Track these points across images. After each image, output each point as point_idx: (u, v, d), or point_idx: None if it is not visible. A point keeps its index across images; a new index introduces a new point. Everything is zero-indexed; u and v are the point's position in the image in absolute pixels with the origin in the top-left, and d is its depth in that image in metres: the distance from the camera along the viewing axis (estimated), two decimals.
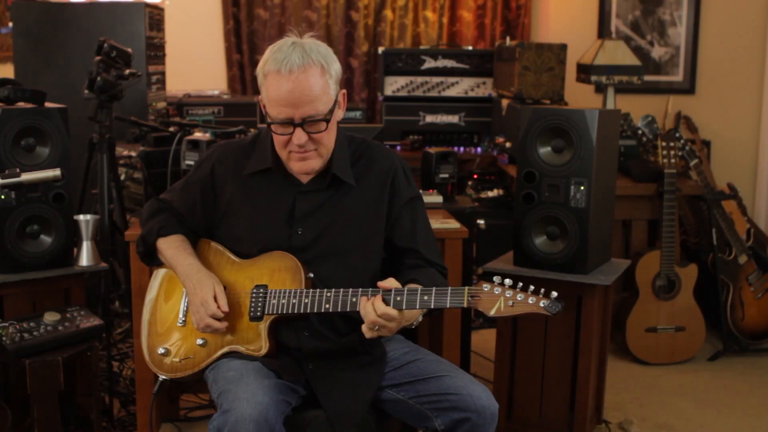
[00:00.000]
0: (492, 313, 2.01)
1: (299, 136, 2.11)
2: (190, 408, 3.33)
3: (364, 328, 2.08)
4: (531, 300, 1.99)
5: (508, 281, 2.02)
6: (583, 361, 3.00)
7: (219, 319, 2.18)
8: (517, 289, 2.01)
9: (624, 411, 3.52)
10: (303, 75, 2.08)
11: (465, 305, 2.03)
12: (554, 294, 2.00)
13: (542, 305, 1.99)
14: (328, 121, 2.14)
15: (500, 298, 2.00)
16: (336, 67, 2.16)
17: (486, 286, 2.02)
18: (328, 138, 2.18)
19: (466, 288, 2.03)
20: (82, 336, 2.74)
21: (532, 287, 2.02)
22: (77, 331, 2.73)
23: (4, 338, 2.56)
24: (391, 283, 2.08)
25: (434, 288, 2.05)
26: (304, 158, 2.16)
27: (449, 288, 2.05)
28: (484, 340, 4.05)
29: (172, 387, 3.16)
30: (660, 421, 3.45)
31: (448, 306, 2.05)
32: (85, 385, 2.90)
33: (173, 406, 3.28)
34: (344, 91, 2.23)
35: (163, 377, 2.28)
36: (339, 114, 2.21)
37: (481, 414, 2.08)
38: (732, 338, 4.19)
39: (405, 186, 2.32)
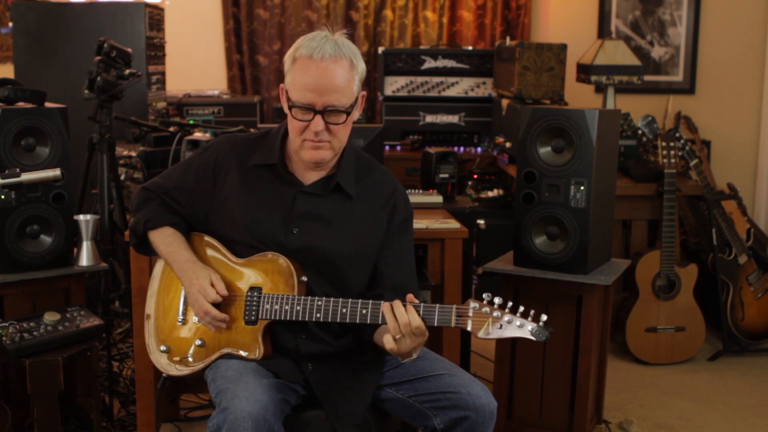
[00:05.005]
0: (480, 335, 1.97)
1: (317, 123, 2.12)
2: (190, 408, 3.34)
3: (387, 338, 2.03)
4: (519, 323, 1.95)
5: (497, 300, 1.98)
6: (583, 361, 3.00)
7: (219, 311, 2.18)
8: (506, 310, 1.97)
9: (624, 411, 3.52)
10: (333, 64, 2.11)
11: (452, 325, 2.00)
12: (544, 317, 1.96)
13: (530, 330, 1.95)
14: (348, 114, 2.15)
15: (488, 319, 1.97)
16: (362, 66, 2.19)
17: (474, 305, 1.98)
18: (343, 133, 2.18)
19: (454, 306, 2.00)
20: (82, 336, 2.74)
21: (521, 308, 1.97)
22: (77, 331, 2.73)
23: (4, 338, 2.56)
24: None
25: (422, 304, 2.03)
26: (317, 147, 2.16)
27: (437, 306, 2.02)
28: (485, 341, 4.04)
29: (173, 387, 3.16)
30: (660, 421, 3.45)
31: (435, 324, 2.01)
32: (85, 385, 2.90)
33: (173, 406, 3.28)
34: (364, 93, 2.24)
35: (166, 374, 2.29)
36: (355, 114, 2.21)
37: (480, 412, 2.08)
38: (732, 338, 4.19)
39: (402, 210, 2.32)
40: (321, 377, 2.19)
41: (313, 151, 2.17)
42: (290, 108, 2.15)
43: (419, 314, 2.01)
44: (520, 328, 1.95)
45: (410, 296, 2.06)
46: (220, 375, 2.12)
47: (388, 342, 2.03)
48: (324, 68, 2.10)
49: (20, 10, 4.46)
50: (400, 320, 2.00)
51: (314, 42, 2.12)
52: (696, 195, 4.35)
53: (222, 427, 1.96)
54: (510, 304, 1.99)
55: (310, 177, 2.25)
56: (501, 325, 1.96)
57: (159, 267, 2.38)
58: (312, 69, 2.10)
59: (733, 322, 4.18)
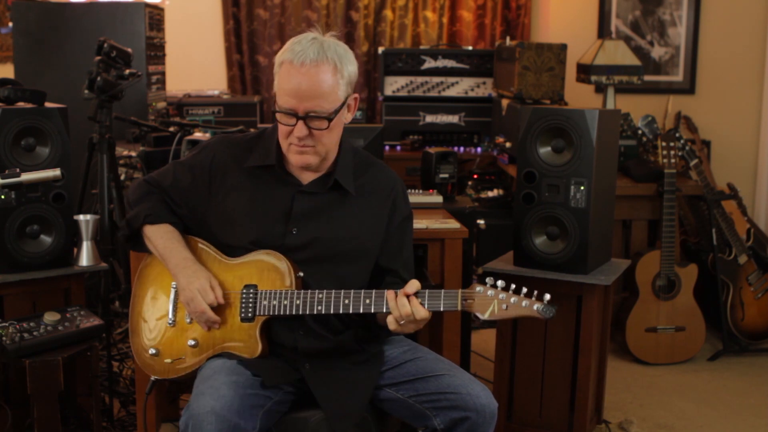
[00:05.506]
0: (486, 316, 2.00)
1: (300, 129, 2.12)
2: None
3: (390, 319, 2.06)
4: (525, 303, 1.98)
5: (501, 283, 2.01)
6: (583, 361, 3.00)
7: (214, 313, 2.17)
8: (510, 291, 2.00)
9: (624, 411, 3.52)
10: (314, 70, 2.10)
11: (459, 308, 2.03)
12: (547, 296, 1.98)
13: (536, 309, 1.97)
14: (330, 120, 2.14)
15: (494, 300, 2.00)
16: (351, 69, 2.17)
17: (479, 288, 2.01)
18: (329, 137, 2.18)
19: (460, 291, 2.03)
20: (82, 336, 2.74)
21: (525, 289, 2.00)
22: (77, 331, 2.72)
23: (4, 338, 2.56)
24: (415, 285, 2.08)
25: (427, 291, 2.05)
26: (302, 152, 2.16)
27: (442, 291, 2.04)
28: (484, 340, 4.05)
29: (172, 387, 3.16)
30: (660, 421, 3.46)
31: (441, 309, 2.04)
32: (85, 385, 2.90)
33: (173, 406, 3.27)
34: (356, 95, 2.23)
35: (155, 378, 2.27)
36: (348, 117, 2.21)
37: (480, 413, 2.08)
38: (732, 338, 4.19)
39: (402, 206, 2.33)
40: (319, 378, 2.18)
41: (298, 156, 2.17)
42: (275, 112, 2.15)
43: (424, 303, 2.03)
44: (526, 307, 1.98)
45: (416, 283, 2.06)
46: (200, 375, 2.13)
47: (391, 323, 2.06)
48: (304, 74, 2.09)
49: (20, 10, 4.46)
50: (402, 311, 2.03)
51: (299, 46, 2.12)
52: (696, 195, 4.35)
53: (188, 424, 1.96)
54: (513, 286, 2.01)
55: (307, 176, 2.25)
56: (506, 306, 1.99)
57: (143, 270, 2.36)
58: (293, 74, 2.10)
59: (733, 322, 4.17)
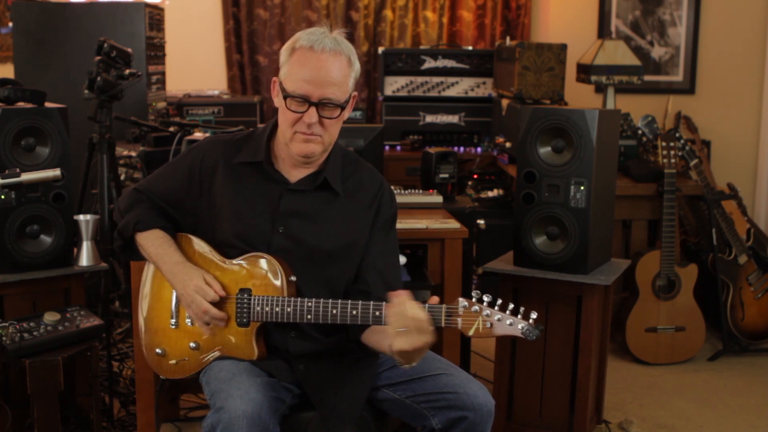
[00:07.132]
0: (471, 333, 1.96)
1: (311, 115, 2.12)
2: (190, 408, 3.34)
3: (395, 336, 1.95)
4: (509, 321, 1.95)
5: (486, 298, 1.97)
6: (583, 361, 3.00)
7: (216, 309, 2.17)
8: (496, 309, 1.97)
9: (624, 411, 3.52)
10: (333, 58, 2.12)
11: (442, 324, 1.98)
12: (534, 315, 1.96)
13: (520, 328, 1.94)
14: (343, 108, 2.15)
15: (478, 317, 1.96)
16: (357, 66, 2.20)
17: (465, 304, 1.97)
18: (335, 128, 2.18)
19: (444, 306, 1.99)
20: (82, 336, 2.74)
21: (511, 305, 1.97)
22: (77, 331, 2.73)
23: (4, 338, 2.56)
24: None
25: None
26: (308, 140, 2.15)
27: (426, 305, 2.00)
28: (484, 340, 4.05)
29: (173, 387, 3.17)
30: (660, 421, 3.46)
31: None
32: (85, 385, 2.90)
33: (173, 406, 3.28)
34: (356, 94, 2.24)
35: (164, 377, 2.29)
36: (346, 113, 2.21)
37: (477, 412, 2.08)
38: (732, 338, 4.19)
39: (387, 207, 2.31)
40: (313, 379, 2.18)
41: (303, 144, 2.16)
42: (285, 98, 2.14)
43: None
44: (511, 326, 1.95)
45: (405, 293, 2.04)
46: (214, 377, 2.13)
47: (395, 336, 1.93)
48: (324, 60, 2.11)
49: (20, 10, 4.46)
50: (411, 313, 1.91)
51: (314, 36, 2.13)
52: (696, 195, 4.35)
53: (217, 426, 1.96)
54: (500, 301, 1.98)
55: (296, 174, 2.24)
56: (491, 324, 1.96)
57: (149, 270, 2.37)
58: (312, 60, 2.11)
59: (733, 322, 4.18)
